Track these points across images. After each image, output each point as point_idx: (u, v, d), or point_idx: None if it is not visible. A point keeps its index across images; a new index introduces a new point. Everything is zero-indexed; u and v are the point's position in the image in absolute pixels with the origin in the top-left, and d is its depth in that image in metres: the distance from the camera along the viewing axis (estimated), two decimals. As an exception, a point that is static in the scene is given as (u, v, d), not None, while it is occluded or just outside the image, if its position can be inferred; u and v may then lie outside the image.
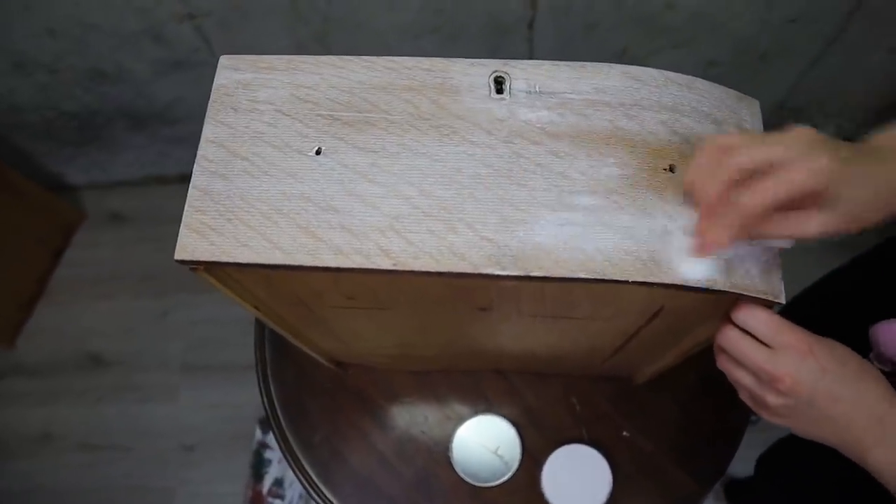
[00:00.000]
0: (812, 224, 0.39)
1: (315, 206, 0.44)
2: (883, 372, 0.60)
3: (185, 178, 0.45)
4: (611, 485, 0.78)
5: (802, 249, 0.53)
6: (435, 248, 0.42)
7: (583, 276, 0.41)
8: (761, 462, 1.08)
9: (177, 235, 0.44)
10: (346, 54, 0.49)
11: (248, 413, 1.50)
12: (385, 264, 0.42)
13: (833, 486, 0.78)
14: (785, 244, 0.42)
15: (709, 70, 1.32)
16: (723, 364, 0.49)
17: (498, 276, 0.42)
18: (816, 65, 1.34)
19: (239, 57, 0.50)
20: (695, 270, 0.41)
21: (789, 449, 0.99)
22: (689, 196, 0.42)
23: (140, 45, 1.21)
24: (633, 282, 0.41)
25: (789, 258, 0.44)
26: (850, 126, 1.56)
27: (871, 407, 0.43)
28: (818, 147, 0.38)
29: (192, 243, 0.44)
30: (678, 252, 0.41)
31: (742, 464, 0.84)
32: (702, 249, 0.40)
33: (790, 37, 1.23)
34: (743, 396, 0.49)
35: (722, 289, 0.42)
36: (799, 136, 0.39)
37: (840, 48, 1.27)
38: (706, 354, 0.55)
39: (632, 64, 0.47)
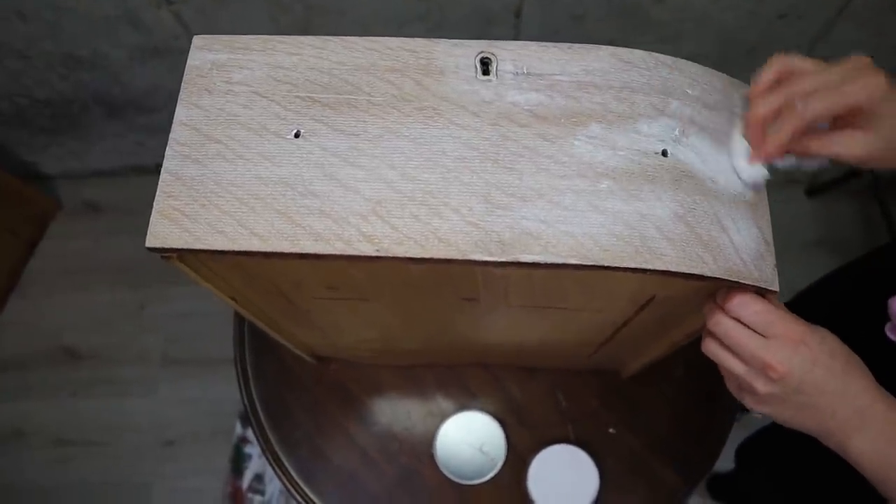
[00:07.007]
0: (857, 144, 0.42)
1: (293, 191, 0.42)
2: None
3: (164, 168, 0.43)
4: (597, 485, 0.77)
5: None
6: (419, 234, 0.40)
7: (573, 261, 0.39)
8: (741, 452, 1.08)
9: None
10: (328, 36, 0.47)
11: (228, 407, 1.47)
12: (367, 250, 0.40)
13: (814, 473, 0.78)
14: (819, 164, 0.45)
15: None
16: (710, 349, 0.48)
17: (485, 263, 0.40)
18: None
19: (213, 37, 0.47)
20: (751, 172, 0.44)
21: (768, 438, 0.98)
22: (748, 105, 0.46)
23: (117, 30, 1.17)
24: (625, 268, 0.39)
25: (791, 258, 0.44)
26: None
27: (854, 399, 0.44)
28: (874, 69, 0.42)
29: (164, 230, 0.42)
30: (739, 154, 0.45)
31: (724, 459, 0.83)
32: (756, 156, 0.44)
33: (778, 32, 1.22)
34: (730, 385, 0.49)
35: (714, 275, 0.41)
36: (857, 61, 0.43)
37: (826, 47, 1.27)
38: (693, 348, 0.54)
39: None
